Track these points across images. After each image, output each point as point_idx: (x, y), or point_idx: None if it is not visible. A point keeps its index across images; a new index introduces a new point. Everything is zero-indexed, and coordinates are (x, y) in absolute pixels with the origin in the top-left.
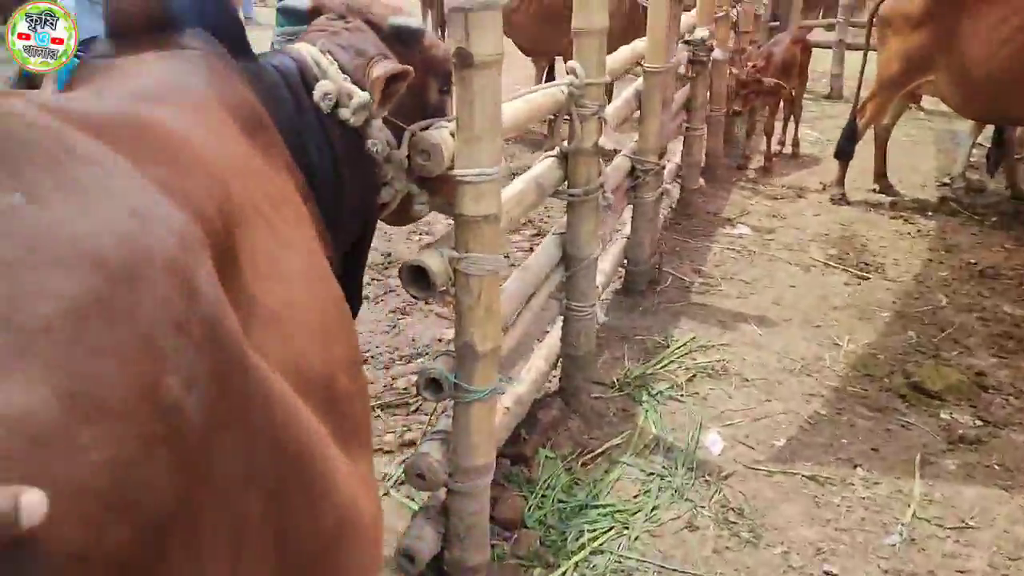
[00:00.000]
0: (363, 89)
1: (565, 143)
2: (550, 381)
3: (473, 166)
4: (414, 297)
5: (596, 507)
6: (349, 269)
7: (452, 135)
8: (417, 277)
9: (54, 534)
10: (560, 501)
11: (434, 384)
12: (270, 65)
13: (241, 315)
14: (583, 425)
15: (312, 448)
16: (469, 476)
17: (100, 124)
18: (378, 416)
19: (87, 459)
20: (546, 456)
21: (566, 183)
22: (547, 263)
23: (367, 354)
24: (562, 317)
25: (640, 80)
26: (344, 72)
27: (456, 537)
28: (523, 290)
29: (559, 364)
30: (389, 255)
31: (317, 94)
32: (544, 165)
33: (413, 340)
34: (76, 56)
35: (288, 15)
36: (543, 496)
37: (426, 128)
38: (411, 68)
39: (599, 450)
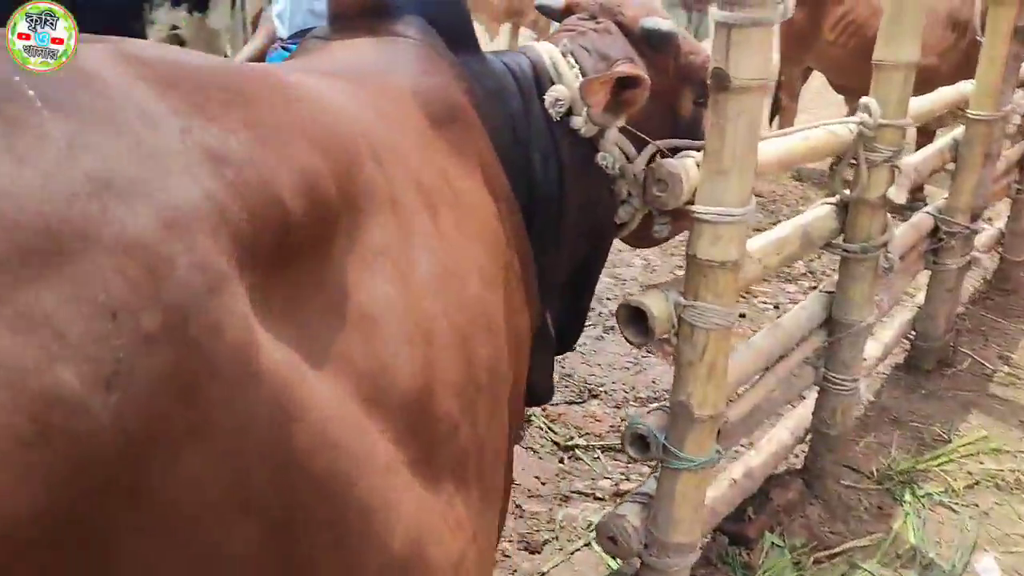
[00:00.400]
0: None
1: (847, 190)
2: (795, 457)
3: (715, 204)
4: (629, 342)
5: None
6: (573, 291)
7: (698, 165)
8: (636, 319)
9: None
10: None
11: (640, 441)
12: (501, 63)
13: (313, 304)
14: (825, 515)
15: (353, 478)
16: (666, 552)
17: (175, 79)
18: (597, 458)
19: None
20: (773, 543)
21: (842, 236)
22: (807, 323)
23: (601, 388)
24: (818, 387)
25: (961, 128)
26: (584, 76)
27: None
28: (771, 349)
29: (808, 440)
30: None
31: (548, 99)
32: (818, 212)
33: (653, 382)
34: (285, 49)
35: (545, 13)
36: None
37: (672, 151)
38: (644, 76)
39: (839, 548)
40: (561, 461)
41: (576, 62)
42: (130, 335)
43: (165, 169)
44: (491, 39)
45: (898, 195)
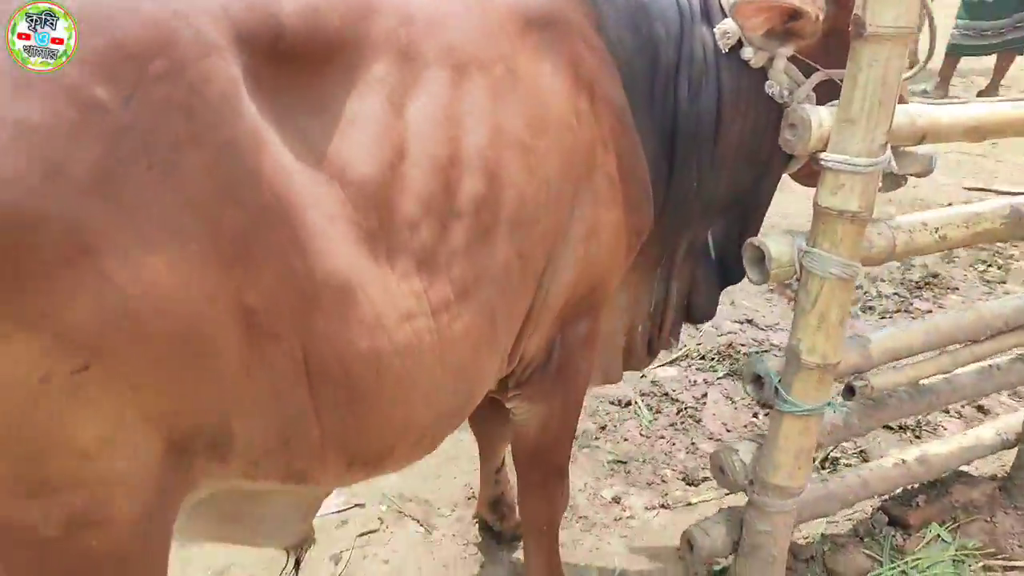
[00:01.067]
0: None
1: None
2: (1001, 461)
3: (840, 152)
4: (751, 280)
5: None
6: (739, 217)
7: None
8: (760, 259)
9: None
10: None
11: (757, 380)
12: None
13: (301, 101)
14: (1020, 528)
15: (299, 210)
16: (766, 491)
17: None
18: None
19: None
20: (939, 535)
21: None
22: (1014, 314)
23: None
24: None
25: None
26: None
27: (742, 549)
28: (952, 331)
29: (1018, 449)
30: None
31: (718, 32)
32: None
33: None
34: None
35: None
36: (903, 573)
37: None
38: (804, 9)
39: (1021, 562)
40: (755, 416)
41: None
42: (143, 72)
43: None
44: None
45: None
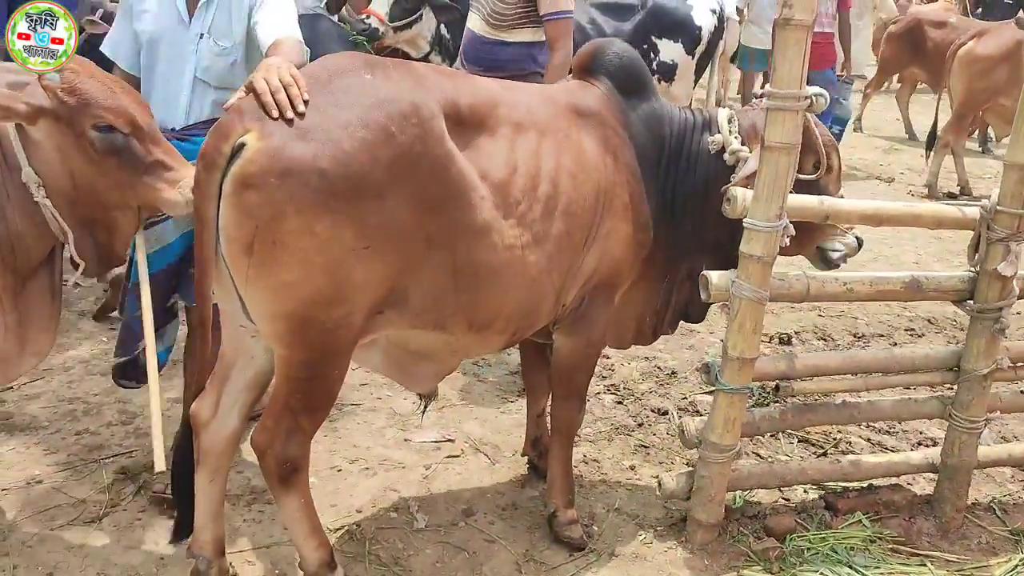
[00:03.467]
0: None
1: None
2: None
3: (752, 217)
4: (701, 297)
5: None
6: (724, 251)
7: None
8: (707, 285)
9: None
10: (826, 552)
11: (706, 369)
12: (675, 112)
13: (472, 146)
14: (935, 531)
15: (474, 205)
16: (707, 447)
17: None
18: None
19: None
20: (860, 520)
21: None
22: (923, 360)
23: None
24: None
25: None
26: (739, 132)
27: (693, 491)
28: (869, 362)
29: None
30: None
31: (708, 140)
32: (946, 272)
33: None
34: None
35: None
36: (822, 540)
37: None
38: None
39: (923, 551)
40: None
41: (738, 123)
42: (406, 127)
43: (418, 94)
44: None
45: (1006, 269)
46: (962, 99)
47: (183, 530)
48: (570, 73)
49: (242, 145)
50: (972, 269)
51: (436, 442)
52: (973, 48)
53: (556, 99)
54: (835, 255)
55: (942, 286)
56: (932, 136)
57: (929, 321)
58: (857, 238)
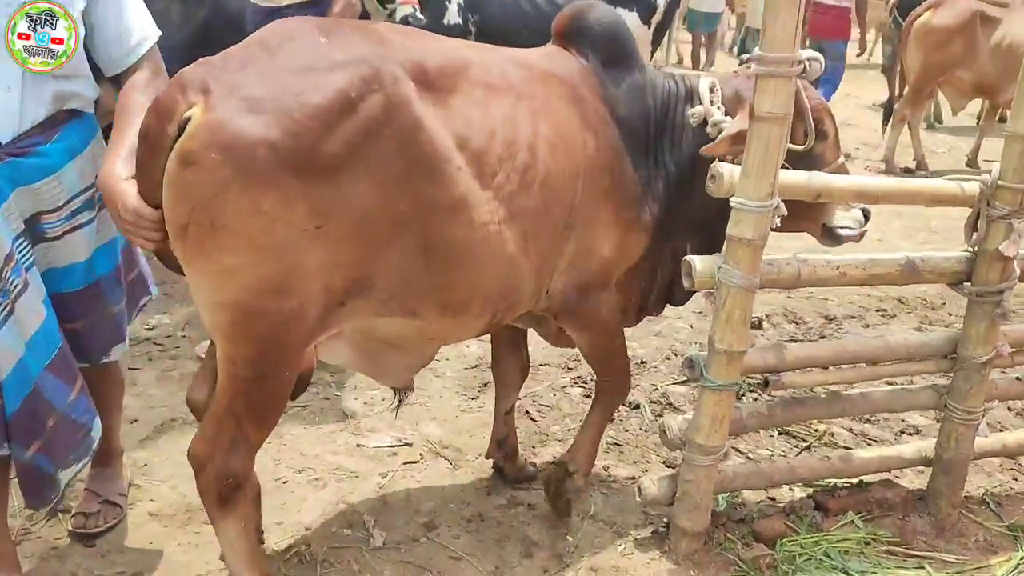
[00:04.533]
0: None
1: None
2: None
3: (742, 196)
4: (684, 286)
5: None
6: (711, 232)
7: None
8: (689, 271)
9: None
10: (820, 557)
11: (691, 364)
12: (659, 81)
13: (444, 109)
14: (930, 530)
15: (451, 185)
16: (692, 449)
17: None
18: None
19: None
20: (853, 521)
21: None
22: (918, 347)
23: None
24: (940, 412)
25: None
26: (722, 101)
27: (677, 497)
28: (857, 350)
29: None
30: None
31: (689, 112)
32: (942, 253)
33: None
34: None
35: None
36: (814, 544)
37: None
38: (743, 132)
39: (920, 552)
40: None
41: (720, 91)
42: (369, 87)
43: (387, 57)
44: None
45: (1008, 249)
46: (918, 72)
47: None
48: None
49: (188, 120)
50: (969, 249)
51: (392, 447)
52: (929, 20)
53: (531, 64)
54: (846, 232)
55: (939, 268)
56: (888, 110)
57: (900, 301)
58: (863, 211)
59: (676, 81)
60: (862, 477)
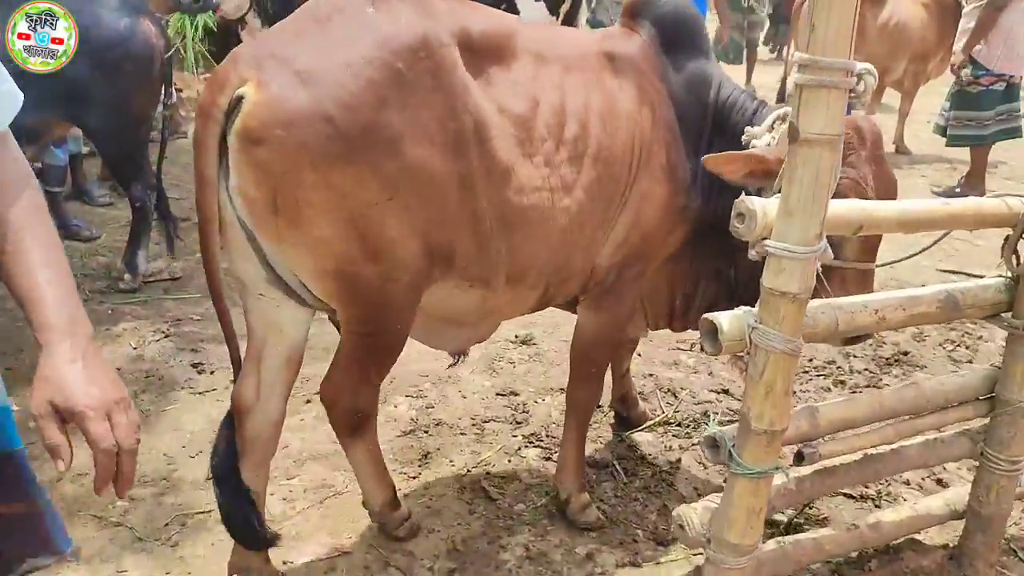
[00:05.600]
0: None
1: (1016, 263)
2: (954, 531)
3: (781, 240)
4: (705, 350)
5: None
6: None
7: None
8: (714, 332)
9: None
10: None
11: (713, 444)
12: (715, 76)
13: (488, 73)
14: None
15: (496, 148)
16: (721, 548)
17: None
18: None
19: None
20: None
21: (1011, 311)
22: (955, 392)
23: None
24: (976, 463)
25: None
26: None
27: None
28: (895, 405)
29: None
30: None
31: (747, 130)
32: (980, 282)
33: None
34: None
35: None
36: None
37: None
38: (767, 161)
39: None
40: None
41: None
42: (414, 62)
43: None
44: None
45: None
46: None
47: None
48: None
49: (240, 98)
50: (1009, 276)
51: (327, 559)
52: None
53: (587, 42)
54: None
55: (979, 300)
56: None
57: None
58: None
59: (749, 96)
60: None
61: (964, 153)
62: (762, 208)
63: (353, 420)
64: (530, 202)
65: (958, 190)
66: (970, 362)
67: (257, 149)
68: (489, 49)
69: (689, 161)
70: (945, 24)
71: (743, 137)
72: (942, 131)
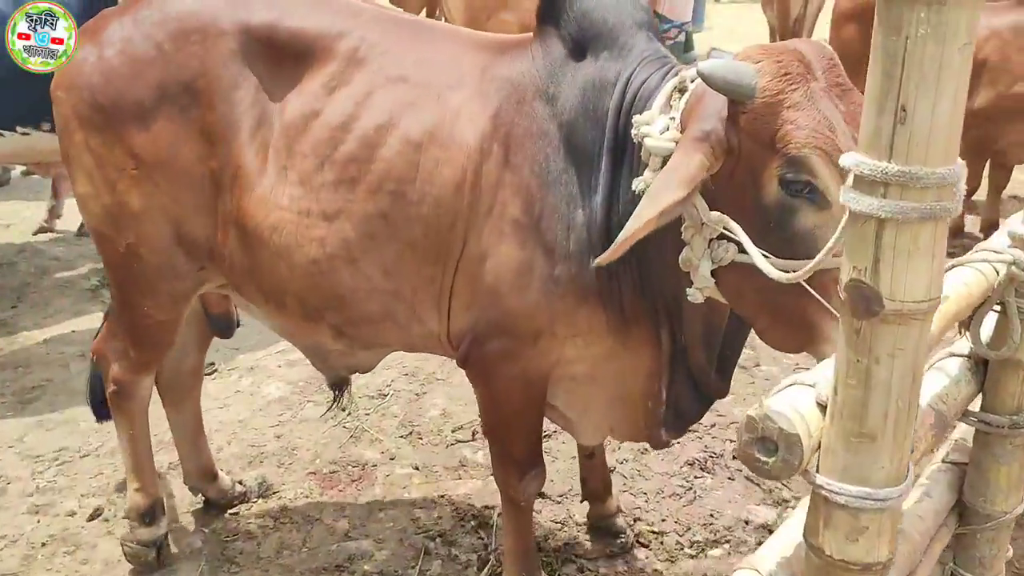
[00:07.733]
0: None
1: (986, 345)
2: None
3: (853, 480)
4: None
5: None
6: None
7: (820, 406)
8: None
9: None
10: None
11: None
12: (614, 74)
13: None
14: None
15: (247, 150)
16: None
17: None
18: None
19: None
20: None
21: (980, 402)
22: (933, 520)
23: (645, 524)
24: None
25: None
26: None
27: None
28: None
29: None
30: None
31: (634, 120)
32: (945, 371)
33: (711, 516)
34: None
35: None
36: None
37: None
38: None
39: None
40: None
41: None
42: (183, 44)
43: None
44: None
45: None
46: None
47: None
48: None
49: None
50: (967, 355)
51: None
52: None
53: (461, 52)
54: None
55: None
56: None
57: None
58: None
59: (663, 70)
60: None
61: None
62: (801, 416)
63: (112, 390)
64: (270, 221)
65: None
66: None
67: (55, 106)
68: (295, 48)
69: (582, 209)
70: None
71: (632, 132)
72: None
